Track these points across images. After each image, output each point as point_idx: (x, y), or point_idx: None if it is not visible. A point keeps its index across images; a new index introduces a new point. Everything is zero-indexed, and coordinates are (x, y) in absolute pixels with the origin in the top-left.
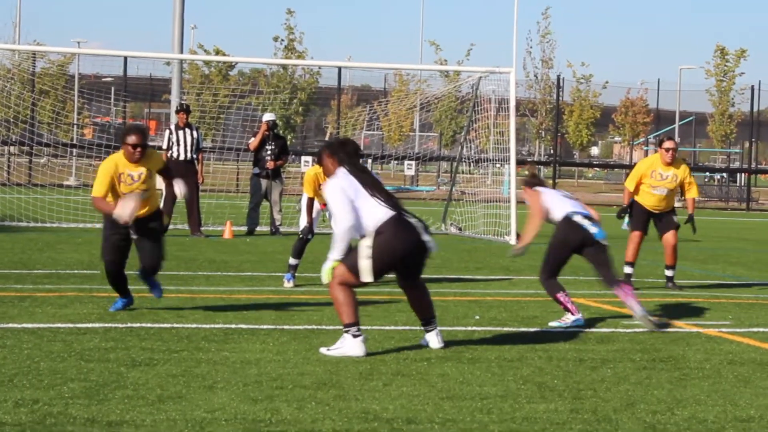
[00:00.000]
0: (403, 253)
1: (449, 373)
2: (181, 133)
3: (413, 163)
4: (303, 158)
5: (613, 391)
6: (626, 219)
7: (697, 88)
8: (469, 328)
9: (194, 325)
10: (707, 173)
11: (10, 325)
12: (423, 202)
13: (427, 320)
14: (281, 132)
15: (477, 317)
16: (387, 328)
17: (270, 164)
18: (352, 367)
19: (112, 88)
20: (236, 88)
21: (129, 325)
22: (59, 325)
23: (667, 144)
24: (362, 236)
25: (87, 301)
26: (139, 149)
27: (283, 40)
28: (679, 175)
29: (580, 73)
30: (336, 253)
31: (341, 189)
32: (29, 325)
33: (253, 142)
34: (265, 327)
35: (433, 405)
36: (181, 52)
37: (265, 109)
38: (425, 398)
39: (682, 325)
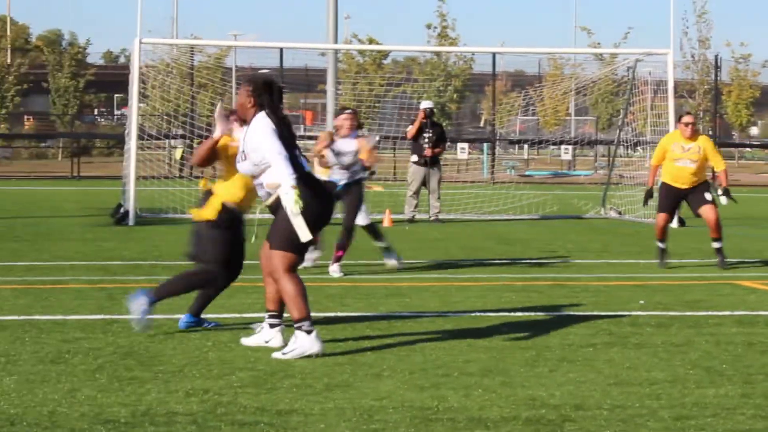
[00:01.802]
0: (321, 209)
1: (615, 359)
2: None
3: (570, 147)
4: (459, 145)
5: None
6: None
7: None
8: (634, 313)
9: (358, 314)
10: None
11: (176, 315)
12: (581, 186)
13: (278, 315)
14: (437, 119)
15: (642, 302)
16: (552, 314)
17: (428, 152)
18: (517, 354)
19: None
20: (391, 77)
21: None
22: (225, 315)
23: (686, 119)
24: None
25: (251, 291)
26: None
27: (435, 27)
28: (702, 146)
29: (739, 53)
30: (287, 176)
31: (273, 130)
32: None
33: (411, 130)
34: (428, 314)
35: (600, 391)
36: (336, 42)
37: (420, 97)
38: (592, 384)
39: None
